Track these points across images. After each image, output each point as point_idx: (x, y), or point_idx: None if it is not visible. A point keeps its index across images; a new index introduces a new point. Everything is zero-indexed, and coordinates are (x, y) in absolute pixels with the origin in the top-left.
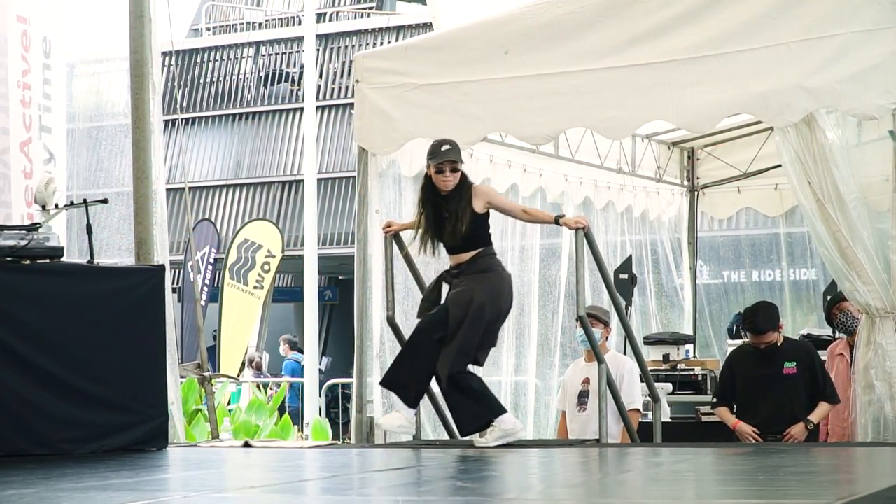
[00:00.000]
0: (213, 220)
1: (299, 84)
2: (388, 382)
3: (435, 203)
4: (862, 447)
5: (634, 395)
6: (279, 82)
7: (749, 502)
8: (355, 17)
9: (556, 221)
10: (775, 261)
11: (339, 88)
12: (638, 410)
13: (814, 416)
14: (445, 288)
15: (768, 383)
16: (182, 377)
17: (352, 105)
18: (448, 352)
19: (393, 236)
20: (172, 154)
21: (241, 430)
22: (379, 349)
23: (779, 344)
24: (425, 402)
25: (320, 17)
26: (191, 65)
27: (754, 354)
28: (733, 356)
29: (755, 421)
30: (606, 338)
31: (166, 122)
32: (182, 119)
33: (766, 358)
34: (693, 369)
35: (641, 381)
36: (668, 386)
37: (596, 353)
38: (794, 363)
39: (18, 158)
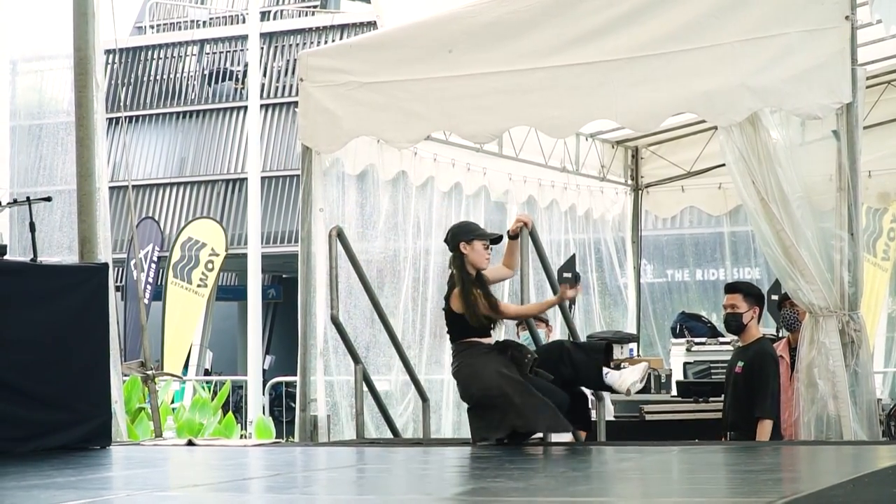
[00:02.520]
0: (156, 218)
1: (243, 82)
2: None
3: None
4: (805, 445)
5: None
6: (223, 80)
7: (692, 500)
8: (299, 16)
9: (511, 236)
10: (719, 260)
11: (284, 87)
12: None
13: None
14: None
15: (728, 381)
16: (125, 375)
17: (296, 103)
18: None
19: (337, 234)
20: (116, 152)
21: (184, 429)
22: (323, 347)
23: (750, 341)
24: (369, 403)
25: (264, 16)
26: (134, 63)
27: (734, 353)
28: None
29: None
30: (549, 337)
31: (109, 120)
32: (125, 117)
33: (735, 356)
34: None
35: None
36: None
37: None
38: (743, 363)
39: None
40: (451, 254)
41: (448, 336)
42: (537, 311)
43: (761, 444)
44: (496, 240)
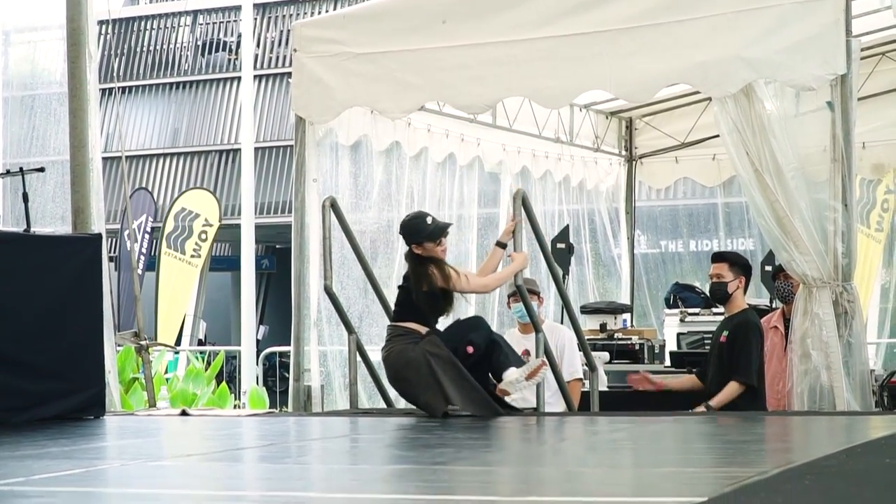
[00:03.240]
0: (149, 189)
1: (237, 53)
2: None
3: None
4: (798, 416)
5: (576, 364)
6: (216, 51)
7: (685, 471)
8: None
9: (501, 246)
10: (713, 230)
11: (277, 57)
12: (580, 380)
13: (714, 401)
14: None
15: (712, 350)
16: (119, 346)
17: (289, 74)
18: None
19: (331, 205)
20: (109, 123)
21: (178, 399)
22: (316, 318)
23: (735, 311)
24: (362, 373)
25: None
26: (127, 33)
27: (720, 323)
28: None
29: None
30: (539, 308)
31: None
32: (119, 88)
33: (720, 326)
34: (630, 338)
35: (579, 350)
36: (606, 355)
37: (535, 323)
38: (727, 332)
39: None
40: (409, 247)
41: (394, 312)
42: (500, 282)
43: (755, 414)
44: (445, 227)
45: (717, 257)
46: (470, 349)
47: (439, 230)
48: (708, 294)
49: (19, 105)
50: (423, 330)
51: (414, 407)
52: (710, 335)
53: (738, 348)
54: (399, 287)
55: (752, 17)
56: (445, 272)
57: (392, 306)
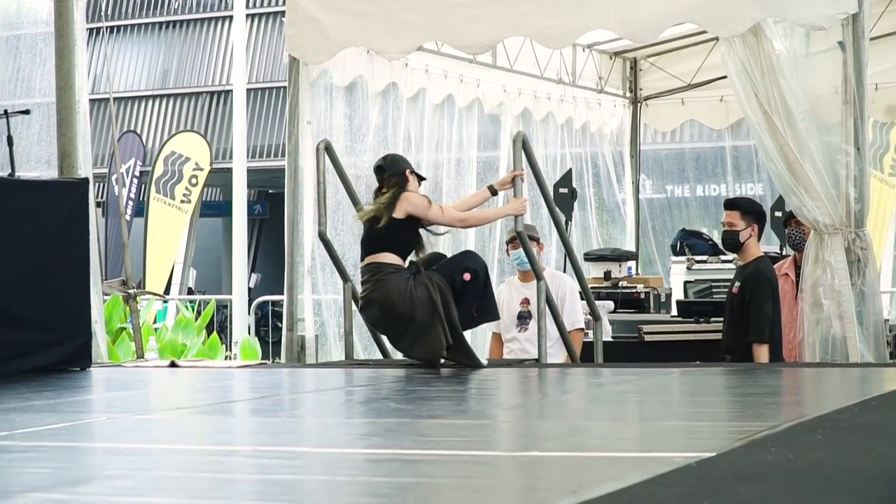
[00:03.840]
0: (138, 131)
1: None
2: None
3: None
4: (810, 367)
5: (577, 314)
6: None
7: (692, 424)
8: None
9: (492, 191)
10: (720, 175)
11: None
12: (582, 330)
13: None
14: None
15: (727, 302)
16: (106, 295)
17: (283, 13)
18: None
19: (325, 147)
20: (96, 64)
21: (167, 350)
22: (310, 265)
23: (748, 261)
24: (358, 322)
25: None
26: None
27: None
28: None
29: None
30: (539, 255)
31: (90, 30)
32: (107, 27)
33: (735, 276)
34: (635, 287)
35: (582, 300)
36: (610, 304)
37: (536, 271)
38: (739, 283)
39: None
40: (390, 177)
41: (367, 247)
42: (482, 221)
43: (764, 365)
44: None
45: (729, 204)
46: (467, 276)
47: (419, 175)
48: (715, 241)
49: (3, 45)
50: (404, 264)
51: (408, 357)
52: (718, 283)
53: (751, 303)
54: (367, 222)
55: None
56: (420, 199)
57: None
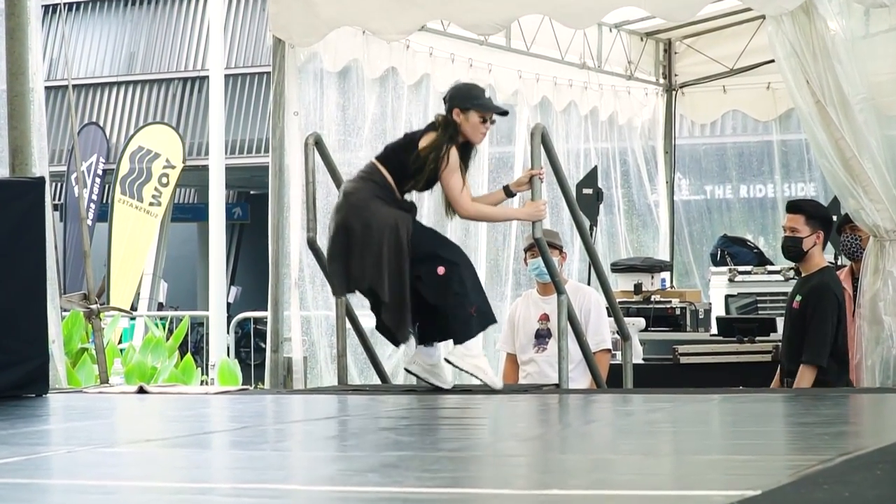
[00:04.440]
0: (101, 124)
1: None
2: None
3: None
4: (869, 393)
5: (603, 332)
6: None
7: (735, 458)
8: None
9: (508, 192)
10: (767, 173)
11: None
12: (608, 351)
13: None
14: None
15: (785, 318)
16: (65, 311)
17: None
18: None
19: (315, 142)
20: (53, 46)
21: (134, 373)
22: (298, 277)
23: (811, 272)
24: (353, 342)
25: None
26: None
27: (795, 284)
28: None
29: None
30: (562, 265)
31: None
32: (64, 4)
33: (795, 289)
34: (670, 302)
35: (609, 316)
36: (641, 321)
37: (556, 283)
38: (801, 298)
39: None
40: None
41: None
42: (488, 218)
43: (816, 391)
44: (502, 113)
45: (793, 207)
46: (441, 269)
47: (493, 107)
48: (761, 249)
49: None
50: (399, 194)
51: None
52: (765, 298)
53: (811, 321)
54: (393, 148)
55: None
56: (453, 161)
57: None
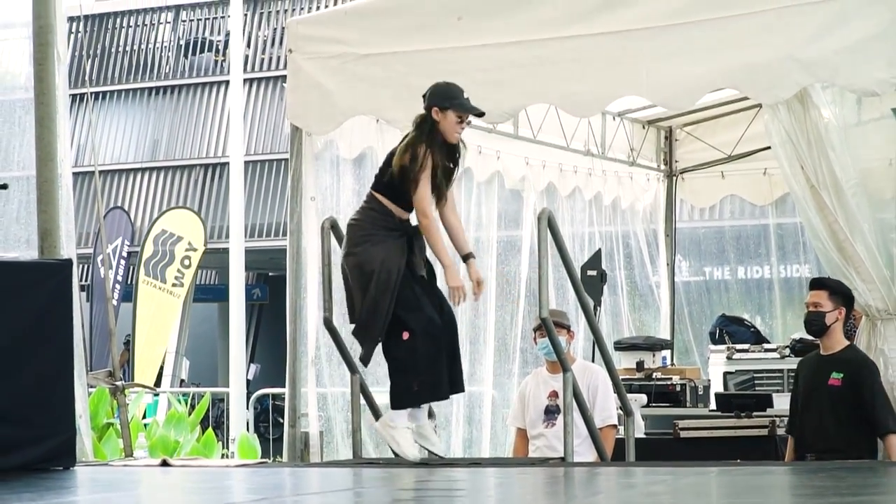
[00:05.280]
0: (126, 208)
1: (224, 54)
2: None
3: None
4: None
5: (610, 409)
6: (201, 52)
7: None
8: None
9: (462, 256)
10: (764, 255)
11: (270, 59)
12: (615, 426)
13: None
14: None
15: (815, 395)
16: (91, 387)
17: (284, 78)
18: None
19: (331, 226)
20: (81, 133)
21: (158, 447)
22: (314, 355)
23: (838, 350)
24: (367, 417)
25: None
26: (101, 32)
27: (816, 362)
28: (798, 366)
29: (797, 435)
30: (569, 344)
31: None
32: (91, 93)
33: (822, 366)
34: (670, 378)
35: (613, 393)
36: (643, 398)
37: (562, 362)
38: (842, 374)
39: None
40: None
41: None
42: (433, 244)
43: (809, 463)
44: (479, 114)
45: (817, 283)
46: (406, 335)
47: (470, 107)
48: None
49: None
50: (402, 214)
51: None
52: (761, 374)
53: (870, 395)
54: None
55: (807, 14)
56: (426, 162)
57: None
